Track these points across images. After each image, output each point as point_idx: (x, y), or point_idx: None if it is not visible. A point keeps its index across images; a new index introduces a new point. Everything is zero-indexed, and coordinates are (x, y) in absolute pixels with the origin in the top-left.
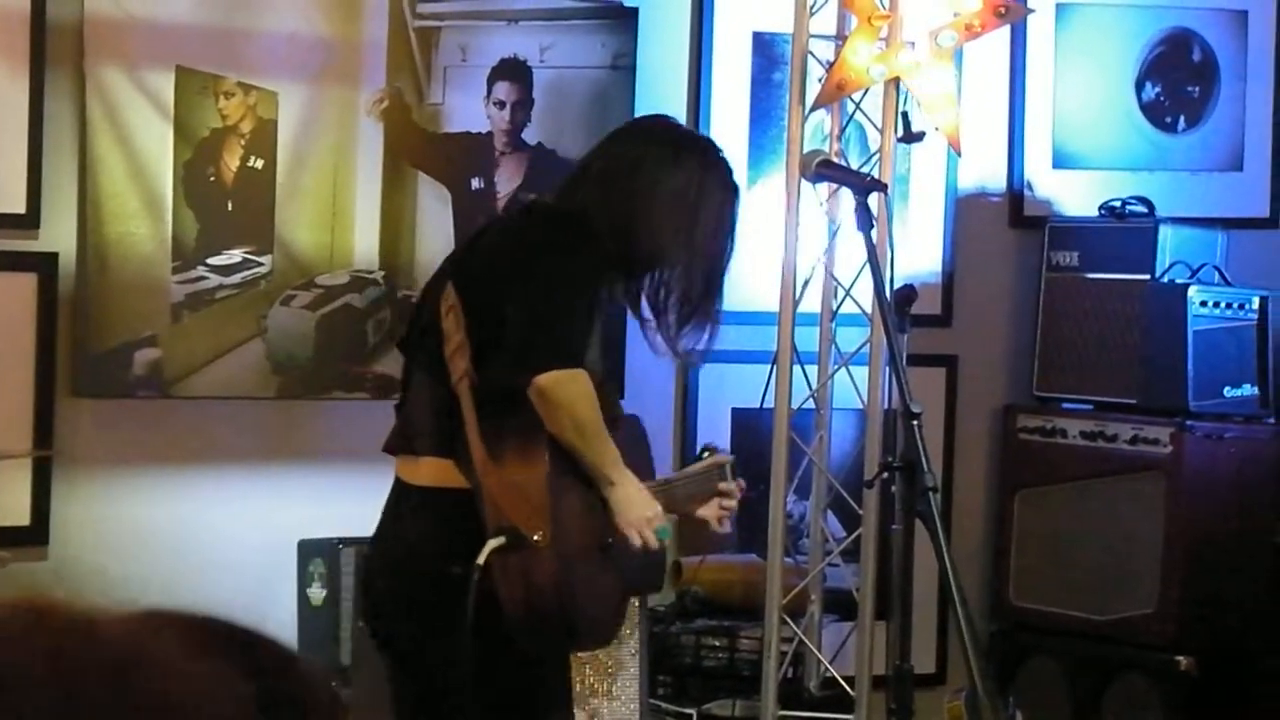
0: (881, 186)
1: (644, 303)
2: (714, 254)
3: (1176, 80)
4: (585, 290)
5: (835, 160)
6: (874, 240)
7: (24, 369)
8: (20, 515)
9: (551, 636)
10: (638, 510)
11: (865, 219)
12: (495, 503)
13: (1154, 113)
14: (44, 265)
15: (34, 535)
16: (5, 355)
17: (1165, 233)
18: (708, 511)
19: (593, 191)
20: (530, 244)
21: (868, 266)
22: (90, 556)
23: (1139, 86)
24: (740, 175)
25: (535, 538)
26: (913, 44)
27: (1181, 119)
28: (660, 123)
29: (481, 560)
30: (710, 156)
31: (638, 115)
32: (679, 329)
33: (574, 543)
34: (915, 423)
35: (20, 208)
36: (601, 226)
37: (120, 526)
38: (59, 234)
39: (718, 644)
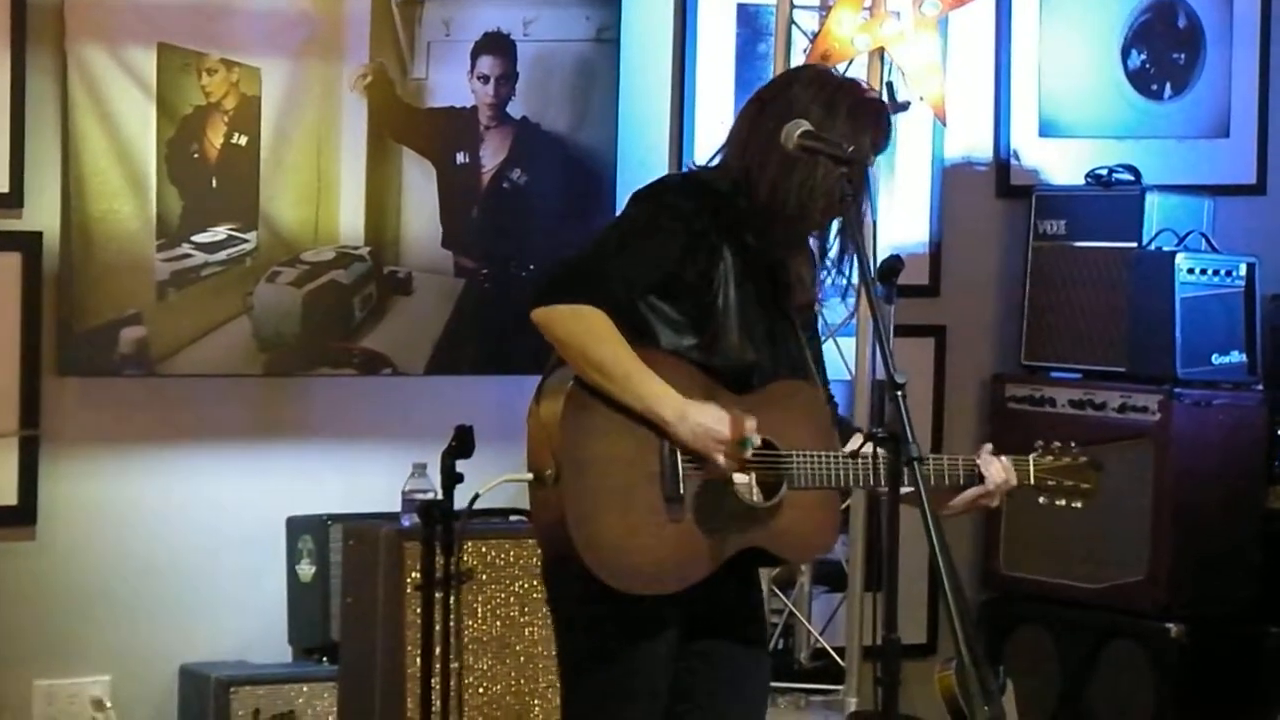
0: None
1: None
2: (844, 200)
3: (1162, 47)
4: (641, 238)
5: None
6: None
7: (8, 348)
8: (7, 495)
9: (580, 576)
10: (703, 438)
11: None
12: (529, 440)
13: (1140, 80)
14: (28, 244)
15: (21, 515)
16: None
17: (1152, 200)
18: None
19: (726, 148)
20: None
21: None
22: (78, 536)
23: (1125, 54)
24: None
25: (546, 473)
26: (897, 14)
27: (1168, 86)
28: (799, 71)
29: (483, 491)
30: (838, 98)
31: (771, 79)
32: (836, 275)
33: (600, 484)
34: (900, 393)
35: (4, 186)
36: (740, 183)
37: (108, 505)
38: (43, 213)
39: None
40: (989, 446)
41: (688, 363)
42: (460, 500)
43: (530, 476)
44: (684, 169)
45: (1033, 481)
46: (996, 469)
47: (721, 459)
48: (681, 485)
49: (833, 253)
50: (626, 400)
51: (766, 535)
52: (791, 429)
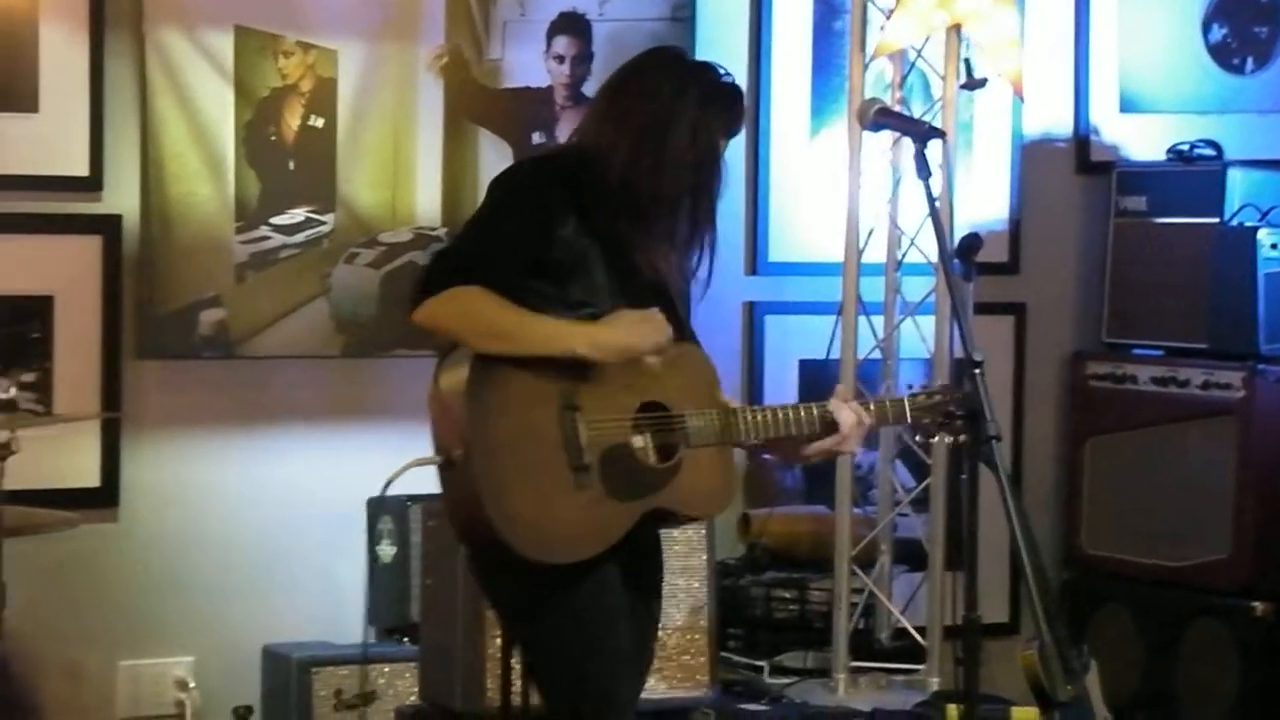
0: (939, 133)
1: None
2: (695, 183)
3: (1244, 20)
4: (501, 222)
5: (893, 108)
6: (934, 188)
7: (90, 332)
8: (90, 477)
9: (491, 552)
10: (625, 339)
11: (924, 167)
12: (432, 423)
13: (1221, 54)
14: (108, 227)
15: (104, 497)
16: (71, 318)
17: (1234, 175)
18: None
19: (584, 126)
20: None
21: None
22: (160, 517)
23: (1206, 28)
24: (802, 126)
25: (455, 454)
26: None
27: (1249, 60)
28: (653, 53)
29: (390, 478)
30: (690, 80)
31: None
32: (681, 260)
33: (510, 460)
34: (978, 371)
35: (83, 170)
36: (594, 160)
37: (189, 487)
38: (122, 196)
39: (788, 596)
40: (841, 389)
41: None
42: None
43: (439, 459)
44: (532, 156)
45: (909, 419)
46: (847, 414)
47: (648, 340)
48: (585, 454)
49: (679, 237)
50: (535, 351)
51: (669, 495)
52: (683, 390)
